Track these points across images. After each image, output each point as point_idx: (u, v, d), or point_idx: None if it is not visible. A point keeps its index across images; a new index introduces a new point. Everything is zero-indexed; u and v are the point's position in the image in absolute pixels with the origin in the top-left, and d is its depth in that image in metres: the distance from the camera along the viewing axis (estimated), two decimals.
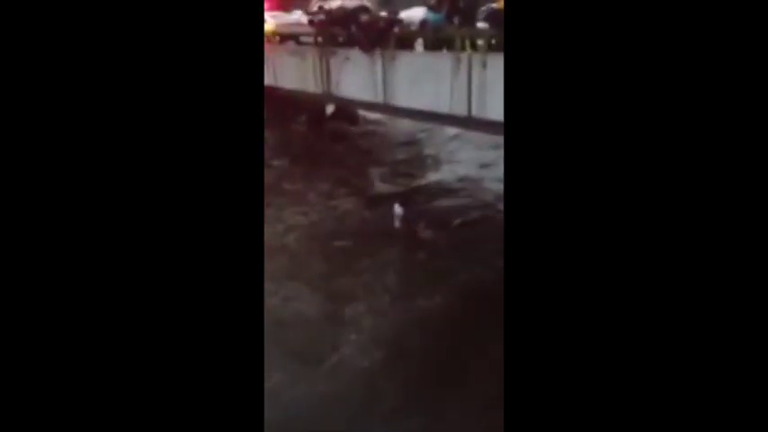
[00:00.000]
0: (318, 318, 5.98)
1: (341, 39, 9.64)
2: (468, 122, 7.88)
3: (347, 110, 14.00)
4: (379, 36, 8.67)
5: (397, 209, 8.66)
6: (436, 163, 12.36)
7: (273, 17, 12.35)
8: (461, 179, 11.22)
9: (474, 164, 11.97)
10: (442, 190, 10.64)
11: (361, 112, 14.56)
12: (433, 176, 11.51)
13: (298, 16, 12.22)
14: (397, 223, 8.53)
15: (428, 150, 13.18)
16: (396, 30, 8.69)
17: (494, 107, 7.26)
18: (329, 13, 10.37)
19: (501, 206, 9.60)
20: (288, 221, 8.64)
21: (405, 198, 9.23)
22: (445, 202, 9.93)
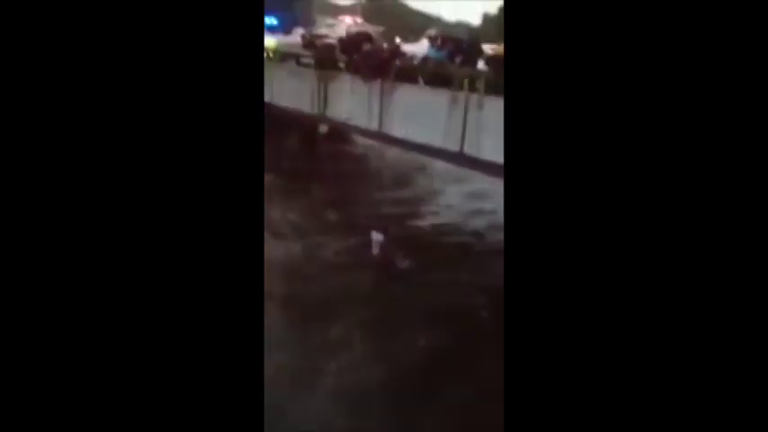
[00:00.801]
0: (286, 366, 5.48)
1: (341, 65, 9.78)
2: (459, 159, 8.01)
3: (340, 133, 14.10)
4: (380, 66, 8.82)
5: (375, 236, 8.53)
6: (424, 194, 12.45)
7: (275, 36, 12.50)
8: (447, 210, 11.31)
9: (459, 196, 12.09)
10: (427, 221, 10.69)
11: (355, 137, 14.68)
12: (419, 208, 11.57)
13: (300, 37, 12.40)
14: (375, 250, 8.42)
15: (417, 181, 13.28)
16: (397, 62, 8.86)
17: (486, 148, 7.41)
18: (332, 38, 10.54)
19: (484, 239, 9.70)
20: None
21: (386, 227, 9.13)
22: (428, 233, 9.96)
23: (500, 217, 10.82)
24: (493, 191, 11.59)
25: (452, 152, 7.86)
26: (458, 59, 8.01)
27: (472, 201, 11.83)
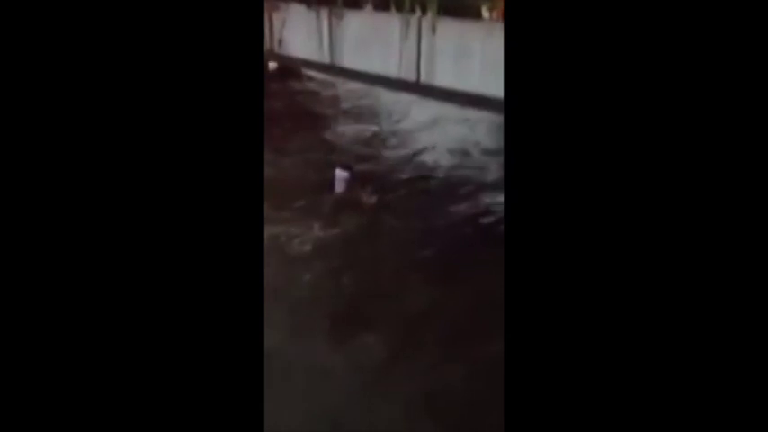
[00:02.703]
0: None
1: None
2: (417, 88, 7.78)
3: (291, 68, 13.42)
4: None
5: (339, 173, 8.38)
6: (380, 124, 12.18)
7: None
8: (408, 141, 11.16)
9: (418, 125, 11.89)
10: (388, 153, 10.54)
11: (306, 72, 14.01)
12: (378, 139, 11.36)
13: None
14: (338, 188, 8.28)
15: (373, 111, 12.93)
16: None
17: (442, 73, 7.20)
18: None
19: (447, 169, 9.71)
20: None
21: (349, 163, 8.94)
22: (391, 166, 9.84)
23: (458, 144, 10.76)
24: (445, 117, 11.48)
25: (409, 82, 7.61)
26: None
27: (429, 130, 11.69)
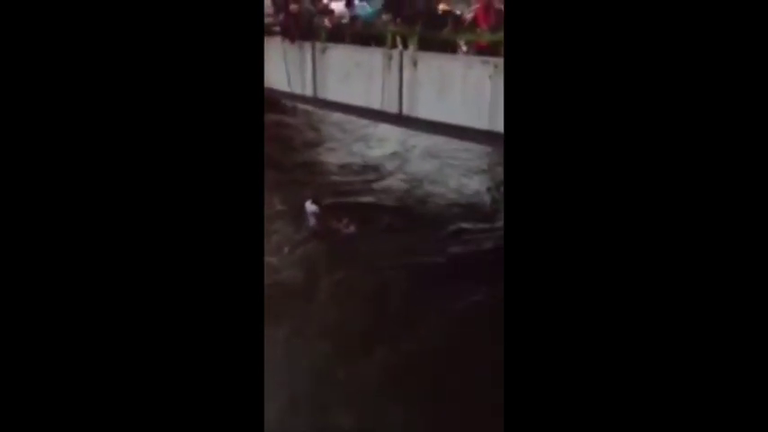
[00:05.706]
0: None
1: (275, 28, 9.27)
2: (399, 120, 7.90)
3: (275, 100, 13.54)
4: (309, 27, 8.42)
5: (309, 206, 8.25)
6: (362, 156, 12.26)
7: None
8: (376, 168, 11.24)
9: (395, 155, 12.00)
10: (360, 182, 10.56)
11: (291, 105, 14.11)
12: (357, 170, 11.40)
13: None
14: (311, 222, 8.19)
15: (353, 143, 13.00)
16: (326, 21, 8.49)
17: (424, 106, 7.33)
18: None
19: (419, 192, 9.75)
20: None
21: (316, 194, 8.74)
22: (364, 195, 9.82)
23: (436, 172, 10.84)
24: (423, 146, 11.59)
25: (391, 114, 7.73)
26: (388, 16, 7.76)
27: (405, 159, 11.77)
